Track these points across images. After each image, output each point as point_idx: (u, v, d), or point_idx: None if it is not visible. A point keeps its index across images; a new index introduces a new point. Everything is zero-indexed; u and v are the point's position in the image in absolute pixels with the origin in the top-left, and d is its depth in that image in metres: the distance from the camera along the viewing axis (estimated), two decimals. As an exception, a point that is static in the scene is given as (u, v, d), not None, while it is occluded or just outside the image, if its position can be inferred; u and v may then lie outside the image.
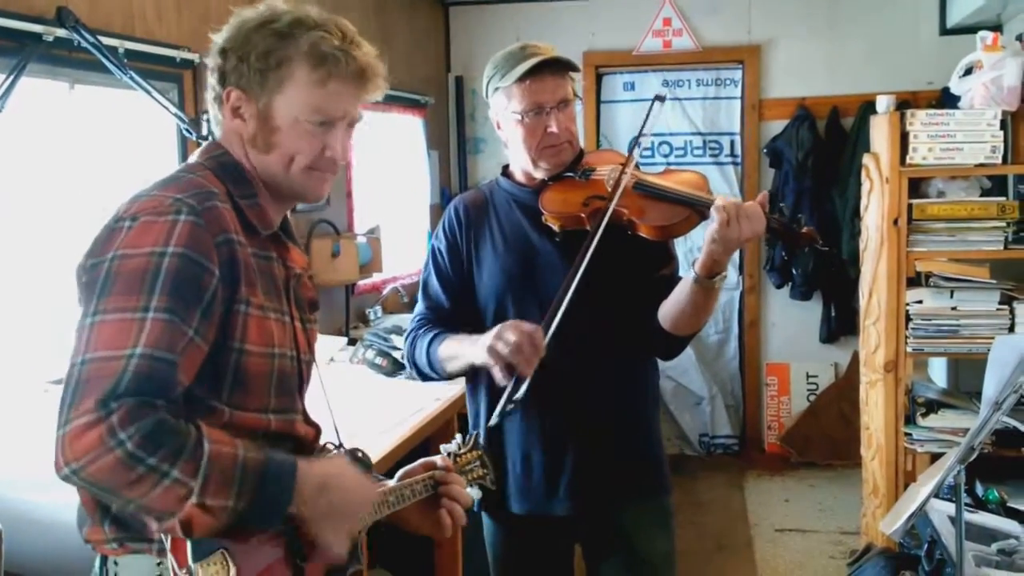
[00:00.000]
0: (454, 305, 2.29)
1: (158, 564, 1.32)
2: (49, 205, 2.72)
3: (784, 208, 2.08)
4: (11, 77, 2.37)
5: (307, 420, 1.66)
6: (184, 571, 1.28)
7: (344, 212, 4.41)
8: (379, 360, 3.48)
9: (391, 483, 1.72)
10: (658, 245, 2.20)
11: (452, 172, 5.89)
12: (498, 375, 2.01)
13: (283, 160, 1.55)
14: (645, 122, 2.20)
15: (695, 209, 2.10)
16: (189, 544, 1.28)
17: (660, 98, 2.21)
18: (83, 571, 1.62)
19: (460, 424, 3.27)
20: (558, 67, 2.19)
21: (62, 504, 1.89)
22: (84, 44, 2.59)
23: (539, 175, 2.25)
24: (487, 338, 2.02)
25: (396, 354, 3.44)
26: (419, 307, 2.36)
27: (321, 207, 4.10)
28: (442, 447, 1.90)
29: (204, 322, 1.38)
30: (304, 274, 1.68)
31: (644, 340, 2.24)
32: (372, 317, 4.42)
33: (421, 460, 1.82)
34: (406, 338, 2.33)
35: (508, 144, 2.28)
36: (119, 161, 2.99)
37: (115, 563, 1.42)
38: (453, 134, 5.88)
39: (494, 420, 2.10)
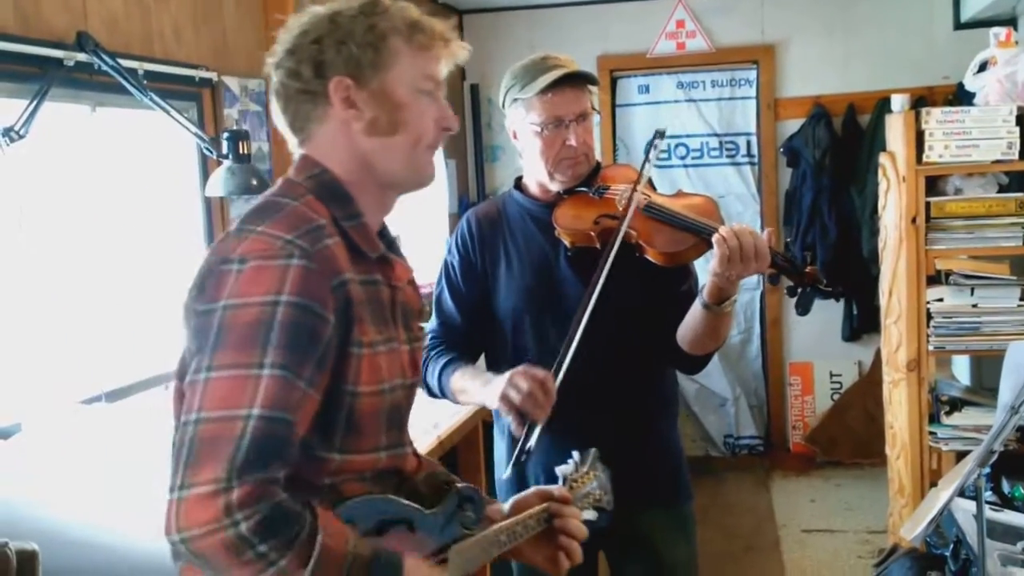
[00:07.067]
0: (467, 322, 2.28)
1: None
2: (73, 227, 2.76)
3: (791, 244, 2.06)
4: (34, 103, 2.41)
5: (414, 452, 1.59)
6: None
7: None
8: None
9: (504, 523, 1.62)
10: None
11: (470, 180, 5.91)
12: (513, 424, 1.98)
13: (410, 140, 1.48)
14: (646, 161, 2.19)
15: (702, 237, 2.06)
16: None
17: (660, 134, 2.21)
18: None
19: (484, 432, 3.28)
20: (578, 80, 2.19)
21: (97, 524, 1.93)
22: (104, 67, 2.63)
23: (554, 187, 2.24)
24: (499, 385, 1.98)
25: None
26: (432, 323, 2.34)
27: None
28: (558, 470, 1.78)
29: (317, 372, 1.32)
30: (408, 285, 1.59)
31: (664, 356, 2.23)
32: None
33: (535, 489, 1.74)
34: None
35: (524, 155, 2.27)
36: (141, 181, 3.03)
37: None
38: (470, 142, 5.90)
39: (507, 472, 2.11)
